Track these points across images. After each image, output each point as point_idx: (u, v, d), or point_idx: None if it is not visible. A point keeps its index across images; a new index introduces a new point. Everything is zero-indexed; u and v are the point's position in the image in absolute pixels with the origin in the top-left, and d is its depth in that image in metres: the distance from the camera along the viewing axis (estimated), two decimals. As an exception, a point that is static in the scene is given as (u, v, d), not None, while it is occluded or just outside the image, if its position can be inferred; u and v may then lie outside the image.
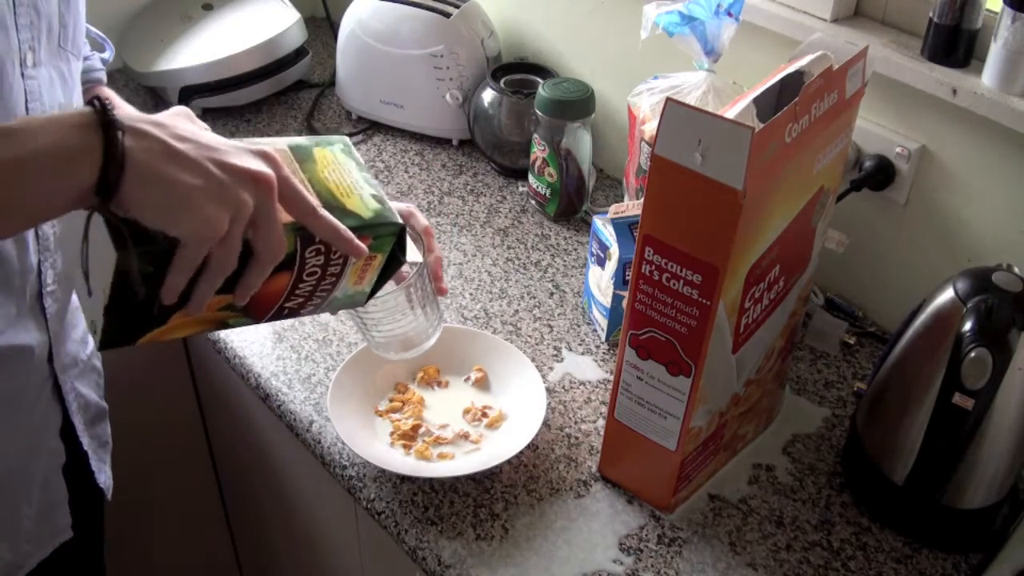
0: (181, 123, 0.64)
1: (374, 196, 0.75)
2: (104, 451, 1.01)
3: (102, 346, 0.68)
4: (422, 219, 0.92)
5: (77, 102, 0.87)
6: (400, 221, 0.75)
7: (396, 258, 0.78)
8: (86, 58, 0.96)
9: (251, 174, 0.63)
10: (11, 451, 0.87)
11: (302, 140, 0.76)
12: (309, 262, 0.71)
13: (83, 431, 0.95)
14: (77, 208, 0.62)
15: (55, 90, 0.82)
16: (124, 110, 0.65)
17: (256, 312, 0.74)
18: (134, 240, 0.62)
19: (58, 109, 0.83)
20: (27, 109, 0.78)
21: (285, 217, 0.67)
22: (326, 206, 0.70)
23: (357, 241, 0.70)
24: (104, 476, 1.01)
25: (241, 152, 0.64)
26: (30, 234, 0.81)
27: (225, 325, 0.74)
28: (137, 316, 0.68)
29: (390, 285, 0.85)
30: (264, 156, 0.65)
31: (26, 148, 0.59)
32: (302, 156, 0.74)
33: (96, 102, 0.61)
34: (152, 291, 0.65)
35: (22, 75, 0.77)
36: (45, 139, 0.60)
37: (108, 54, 1.00)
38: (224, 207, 0.61)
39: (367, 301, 0.81)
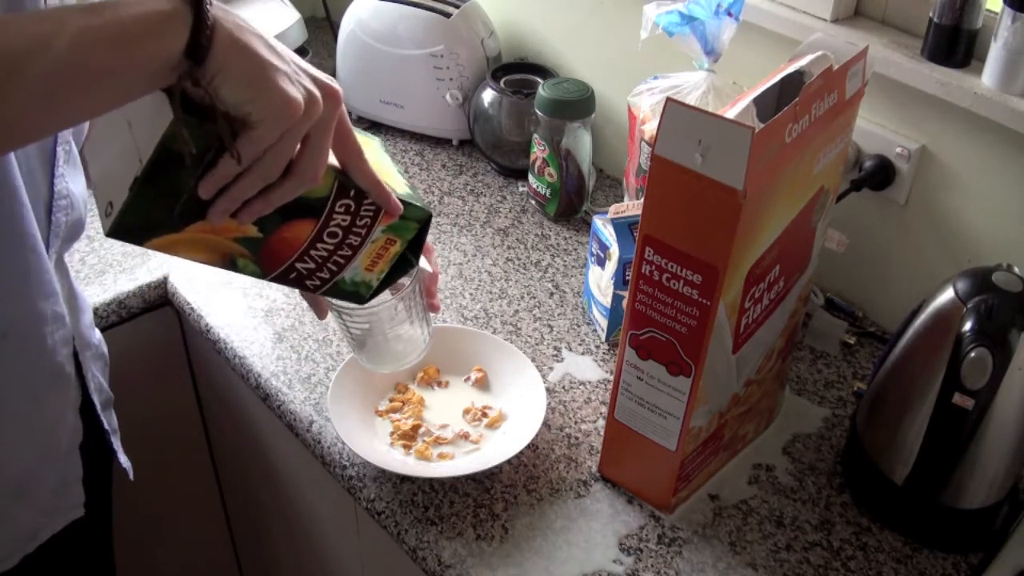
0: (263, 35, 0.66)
1: (407, 185, 0.78)
2: (116, 437, 1.02)
3: (112, 230, 0.67)
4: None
5: None
6: (429, 211, 0.77)
7: (408, 259, 0.78)
8: None
9: (325, 84, 0.66)
10: (45, 422, 0.88)
11: None
12: (336, 218, 0.72)
13: (101, 412, 0.97)
14: (167, 77, 0.62)
15: None
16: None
17: (267, 261, 0.73)
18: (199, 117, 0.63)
19: None
20: None
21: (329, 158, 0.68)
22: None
23: (393, 197, 0.72)
24: (123, 458, 1.03)
25: (314, 71, 0.67)
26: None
27: (233, 265, 0.73)
28: (160, 207, 0.66)
29: (385, 295, 0.84)
30: (330, 87, 0.67)
31: (118, 14, 0.60)
32: None
33: None
34: (187, 182, 0.65)
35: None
36: (136, 7, 0.60)
37: None
38: (302, 94, 0.64)
39: (369, 298, 0.80)
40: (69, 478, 0.94)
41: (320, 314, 0.89)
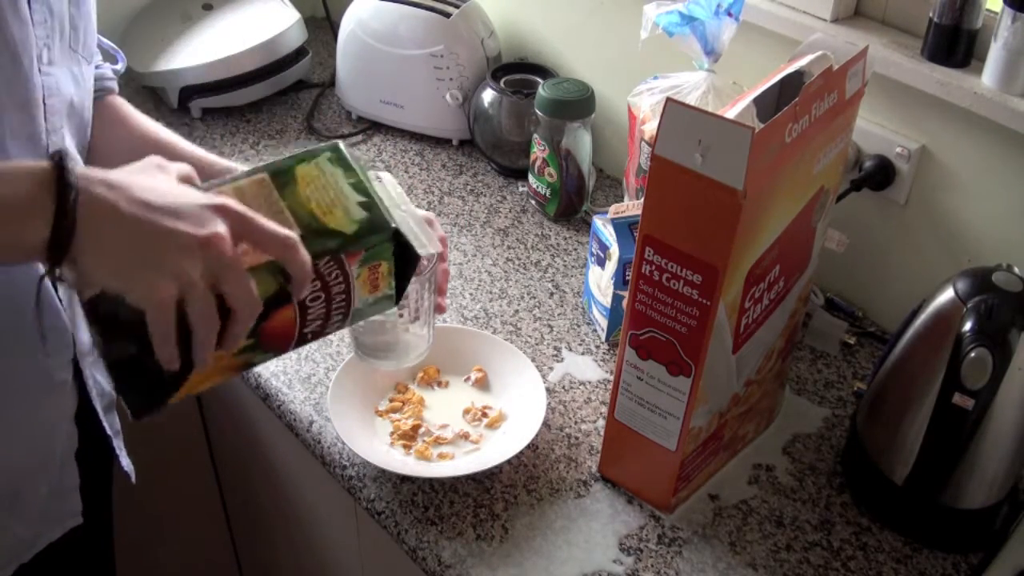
0: (141, 181, 0.63)
1: (362, 203, 0.71)
2: (119, 439, 1.02)
3: (134, 418, 0.68)
4: (439, 230, 0.91)
5: (89, 106, 0.88)
6: (392, 224, 0.72)
7: (408, 256, 0.75)
8: (97, 67, 0.97)
9: (197, 240, 0.62)
10: (39, 429, 0.88)
11: (286, 159, 0.74)
12: (305, 299, 0.69)
13: (103, 416, 0.96)
14: (33, 260, 0.62)
15: (70, 87, 0.83)
16: (81, 168, 0.63)
17: (277, 346, 0.72)
18: (104, 317, 0.63)
19: (73, 105, 0.84)
20: (45, 104, 0.79)
21: (262, 257, 0.66)
22: (307, 230, 0.68)
23: (307, 267, 0.67)
24: (126, 460, 1.03)
25: (192, 213, 0.63)
26: None
27: (251, 365, 0.72)
28: (151, 387, 0.67)
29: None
30: (219, 210, 0.64)
31: None
32: (283, 180, 0.72)
33: (57, 156, 0.61)
34: (150, 362, 0.65)
35: (39, 70, 0.78)
36: (2, 188, 0.60)
37: (120, 65, 1.01)
38: (165, 275, 0.61)
39: (397, 302, 0.77)
40: (65, 486, 0.93)
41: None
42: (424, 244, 0.75)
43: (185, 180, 0.69)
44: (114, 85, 1.00)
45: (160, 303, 0.61)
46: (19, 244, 0.60)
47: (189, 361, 0.66)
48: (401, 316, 0.88)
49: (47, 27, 0.78)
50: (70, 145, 0.85)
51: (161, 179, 0.66)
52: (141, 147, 0.97)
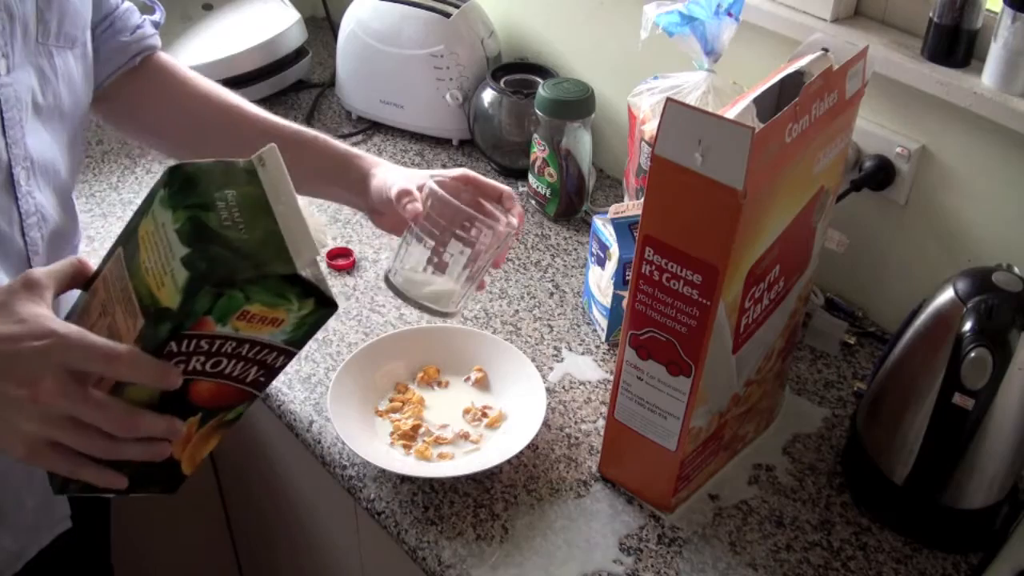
0: None
1: (184, 258, 0.60)
2: None
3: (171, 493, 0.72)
4: (518, 206, 0.92)
5: (67, 92, 0.86)
6: (212, 284, 0.59)
7: (289, 289, 0.62)
8: (137, 26, 0.95)
9: (27, 397, 0.60)
10: None
11: (134, 216, 0.66)
12: (204, 368, 0.63)
13: None
14: None
15: (34, 91, 0.81)
16: None
17: (232, 400, 0.67)
18: None
19: (39, 106, 0.82)
20: (3, 118, 0.77)
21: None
22: (149, 314, 0.61)
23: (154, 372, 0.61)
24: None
25: (19, 366, 0.60)
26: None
27: (233, 419, 0.69)
28: (149, 479, 0.68)
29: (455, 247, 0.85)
30: (48, 352, 0.60)
31: None
32: (130, 250, 0.64)
33: None
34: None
35: None
36: None
37: (159, 15, 0.99)
38: (11, 434, 0.61)
39: (328, 309, 0.65)
40: (52, 494, 0.93)
41: (410, 214, 0.88)
42: (302, 246, 0.62)
43: (63, 282, 0.66)
44: (156, 41, 0.97)
45: (25, 458, 0.61)
46: None
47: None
48: (446, 256, 0.89)
49: (5, 34, 0.76)
50: (34, 150, 0.81)
51: (27, 297, 0.63)
52: (200, 112, 0.96)
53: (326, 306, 0.64)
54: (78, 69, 0.87)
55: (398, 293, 0.91)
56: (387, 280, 0.92)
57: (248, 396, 0.67)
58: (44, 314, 0.62)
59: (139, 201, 0.74)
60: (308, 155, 0.98)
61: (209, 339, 0.61)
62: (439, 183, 0.90)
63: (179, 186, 0.63)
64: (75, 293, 0.70)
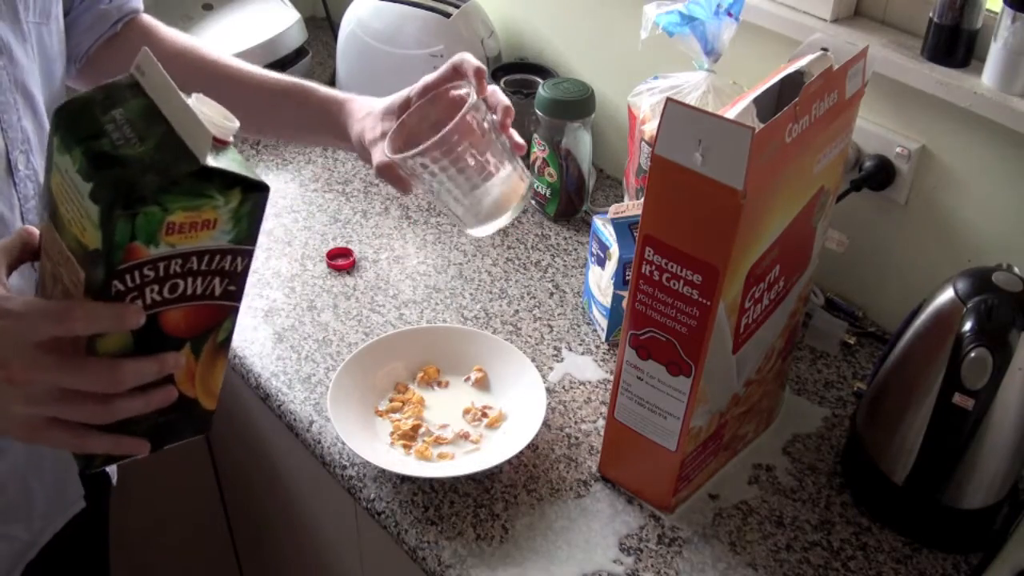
0: None
1: (91, 195, 0.56)
2: None
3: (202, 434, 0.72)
4: (472, 63, 0.89)
5: (47, 70, 0.84)
6: (118, 206, 0.56)
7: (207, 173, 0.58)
8: None
9: (4, 381, 0.59)
10: None
11: (47, 177, 0.62)
12: (164, 296, 0.60)
13: None
14: None
15: (24, 71, 0.80)
16: None
17: (212, 320, 0.64)
18: None
19: (27, 87, 0.81)
20: None
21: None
22: (85, 262, 0.59)
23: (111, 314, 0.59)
24: None
25: None
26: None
27: (225, 344, 0.67)
28: (169, 431, 0.69)
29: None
30: (7, 333, 0.59)
31: None
32: (52, 210, 0.61)
33: None
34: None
35: None
36: None
37: None
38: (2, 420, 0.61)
39: (259, 195, 0.61)
40: (64, 475, 0.93)
41: (404, 188, 0.87)
42: (197, 136, 0.58)
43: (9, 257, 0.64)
44: (137, 4, 0.98)
45: (28, 439, 0.61)
46: None
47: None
48: (462, 168, 0.84)
49: None
50: (31, 133, 0.81)
51: None
52: (184, 71, 0.95)
53: (255, 190, 0.60)
54: (54, 45, 0.86)
55: (490, 227, 0.88)
56: (470, 231, 0.89)
57: (227, 310, 0.65)
58: None
59: None
60: (290, 105, 0.97)
61: (150, 264, 0.58)
62: (397, 134, 0.87)
63: (67, 125, 0.59)
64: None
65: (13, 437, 0.61)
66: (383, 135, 0.89)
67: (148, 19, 0.99)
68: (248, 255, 0.63)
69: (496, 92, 0.89)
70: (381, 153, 0.87)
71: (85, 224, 0.57)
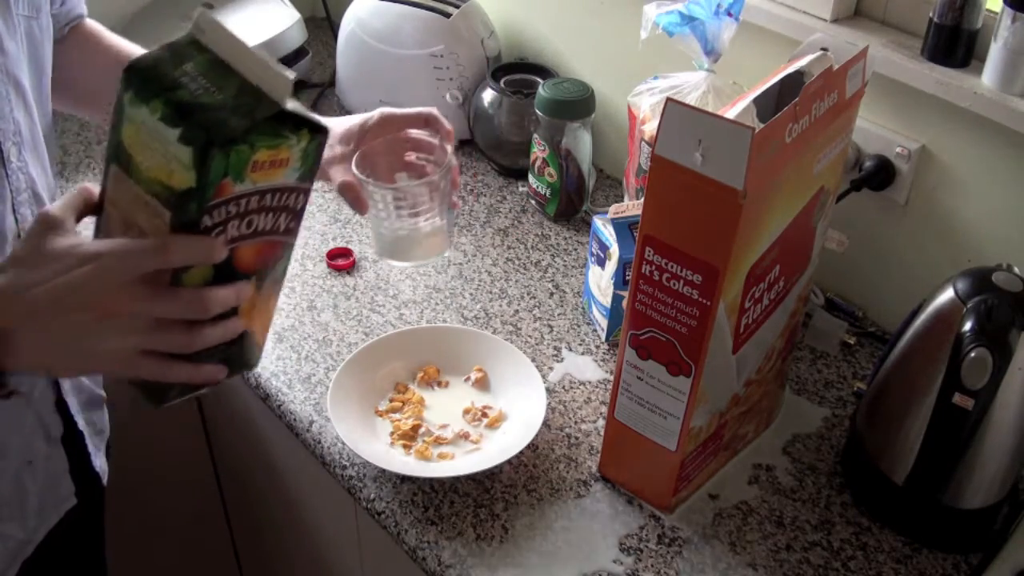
0: (32, 292, 0.63)
1: (181, 139, 0.61)
2: (100, 438, 1.00)
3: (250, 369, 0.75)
4: (445, 123, 0.96)
5: (37, 64, 0.85)
6: (214, 142, 0.60)
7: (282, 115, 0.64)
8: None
9: (100, 316, 0.63)
10: (14, 430, 0.87)
11: (113, 131, 0.66)
12: (240, 232, 0.65)
13: (77, 412, 0.95)
14: None
15: (16, 63, 0.80)
16: None
17: (274, 256, 0.70)
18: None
19: (18, 79, 0.81)
20: None
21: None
22: (170, 203, 0.63)
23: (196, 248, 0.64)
24: (99, 461, 1.01)
25: (83, 296, 0.63)
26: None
27: (279, 281, 0.73)
28: (236, 359, 0.72)
29: (404, 180, 0.93)
30: (97, 275, 0.63)
31: None
32: (125, 162, 0.65)
33: None
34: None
35: None
36: None
37: None
38: (101, 358, 0.65)
39: (320, 133, 0.67)
40: (55, 473, 0.93)
41: (361, 209, 0.94)
42: (275, 84, 0.63)
43: (75, 210, 0.68)
44: (82, 9, 0.98)
45: (122, 371, 0.66)
46: None
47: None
48: (414, 213, 0.95)
49: None
50: (23, 125, 0.82)
51: (45, 268, 0.64)
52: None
53: (319, 132, 0.66)
54: (44, 40, 0.86)
55: (401, 264, 0.99)
56: (383, 259, 0.99)
57: (286, 246, 0.70)
58: (77, 243, 0.64)
59: None
60: None
61: (235, 201, 0.63)
62: (364, 157, 0.95)
63: (140, 80, 0.63)
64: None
65: (107, 371, 0.67)
66: (342, 156, 0.96)
67: (92, 24, 0.99)
68: (307, 193, 0.69)
69: (451, 140, 0.97)
70: (345, 173, 0.94)
71: (173, 167, 0.62)
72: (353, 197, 0.94)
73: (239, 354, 0.71)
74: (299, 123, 0.64)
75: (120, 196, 0.67)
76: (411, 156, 0.99)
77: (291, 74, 0.63)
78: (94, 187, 0.69)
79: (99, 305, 0.63)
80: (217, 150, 0.60)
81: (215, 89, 0.63)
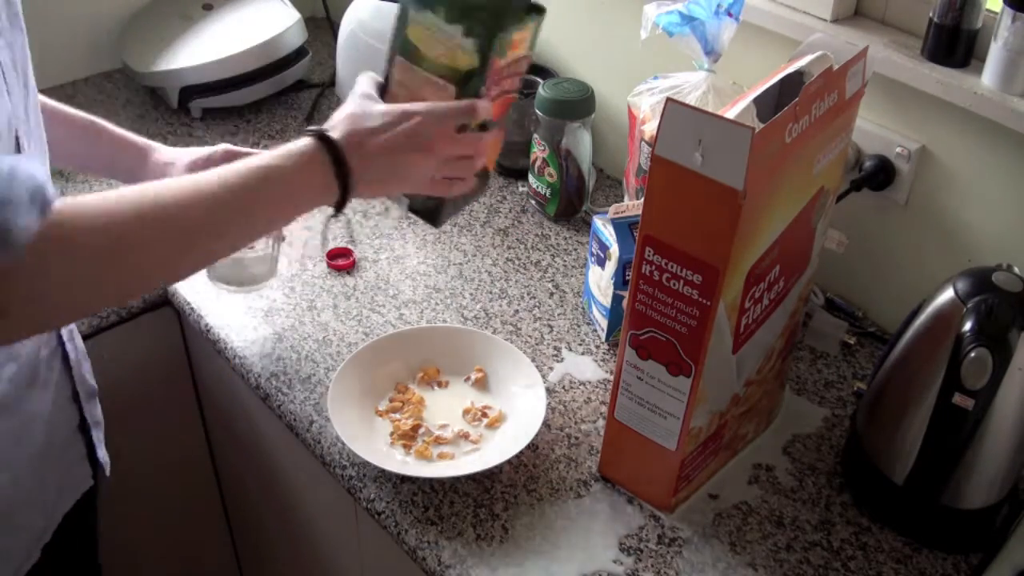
0: (372, 137, 0.84)
1: (465, 31, 0.86)
2: (99, 429, 1.02)
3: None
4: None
5: (26, 63, 0.85)
6: (483, 30, 0.86)
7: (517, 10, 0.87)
8: None
9: (424, 152, 0.85)
10: (37, 418, 0.89)
11: (397, 32, 0.91)
12: (497, 95, 0.90)
13: (85, 402, 0.97)
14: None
15: (15, 57, 0.80)
16: (337, 138, 0.83)
17: (506, 109, 0.94)
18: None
19: (12, 72, 0.80)
20: (5, 80, 0.76)
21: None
22: (456, 79, 0.88)
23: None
24: (102, 451, 1.03)
25: (410, 139, 0.84)
26: None
27: (504, 127, 0.95)
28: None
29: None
30: (420, 126, 0.84)
31: (281, 187, 0.80)
32: (411, 54, 0.90)
33: (320, 140, 0.82)
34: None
35: None
36: (296, 177, 0.81)
37: None
38: (415, 181, 0.87)
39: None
40: (73, 458, 0.96)
41: None
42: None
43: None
44: None
45: (429, 190, 0.89)
46: (313, 205, 0.84)
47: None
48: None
49: None
50: (32, 116, 0.83)
51: (378, 120, 0.85)
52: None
53: (542, 12, 0.90)
54: (25, 46, 0.86)
55: (229, 289, 1.08)
56: (214, 282, 1.08)
57: (512, 102, 0.94)
58: (395, 105, 0.86)
59: None
60: (83, 142, 1.03)
61: (500, 71, 0.89)
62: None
63: (422, 2, 0.89)
64: None
65: (421, 191, 0.89)
66: None
67: None
68: (529, 60, 0.94)
69: None
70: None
71: (457, 54, 0.88)
72: None
73: (484, 177, 0.95)
74: (529, 9, 0.89)
75: (407, 80, 0.92)
76: None
77: None
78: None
79: (424, 146, 0.85)
80: (494, 37, 0.86)
81: None
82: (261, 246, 1.08)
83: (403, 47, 0.91)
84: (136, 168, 1.04)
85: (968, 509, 0.90)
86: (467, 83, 0.88)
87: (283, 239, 1.10)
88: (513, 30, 0.87)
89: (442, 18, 0.88)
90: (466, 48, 0.87)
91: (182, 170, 1.01)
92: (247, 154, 1.01)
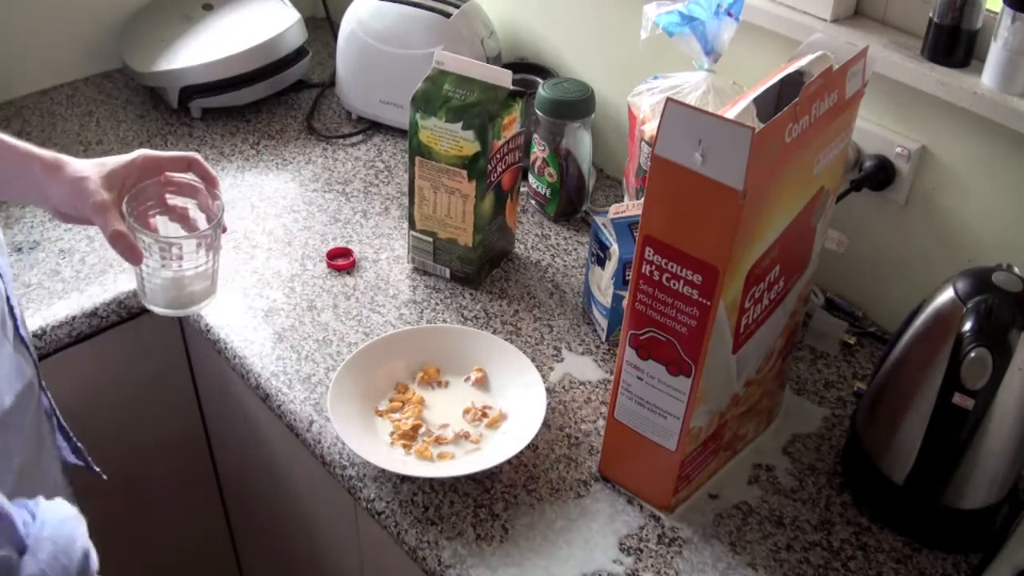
0: None
1: (464, 126, 1.09)
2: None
3: None
4: (209, 169, 0.99)
5: None
6: (484, 120, 1.08)
7: None
8: None
9: None
10: (18, 433, 0.89)
11: (415, 140, 1.12)
12: (501, 171, 1.14)
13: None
14: None
15: None
16: None
17: (515, 181, 1.19)
18: None
19: None
20: None
21: None
22: (461, 163, 1.10)
23: None
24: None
25: None
26: None
27: (518, 194, 1.19)
28: None
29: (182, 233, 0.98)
30: None
31: None
32: (425, 153, 1.12)
33: None
34: None
35: None
36: None
37: None
38: None
39: None
40: (50, 469, 0.95)
41: (136, 259, 0.92)
42: (499, 77, 1.13)
43: None
44: None
45: None
46: None
47: None
48: (181, 262, 0.96)
49: None
50: None
51: None
52: None
53: (526, 95, 1.12)
54: None
55: (169, 312, 1.00)
56: (148, 307, 1.00)
57: (520, 171, 1.18)
58: None
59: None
60: None
61: (499, 151, 1.12)
62: (132, 200, 0.95)
63: (423, 102, 1.11)
64: None
65: None
66: (113, 202, 0.94)
67: None
68: (523, 134, 1.15)
69: (218, 188, 1.01)
70: (118, 220, 0.93)
71: (463, 144, 1.09)
72: (125, 246, 0.91)
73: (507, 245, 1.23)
74: (512, 95, 1.11)
75: (426, 173, 1.14)
76: (175, 200, 0.99)
77: (506, 72, 1.11)
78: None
79: None
80: (488, 126, 1.08)
81: (468, 94, 1.11)
82: (201, 261, 0.97)
83: (417, 148, 1.12)
84: (45, 184, 0.95)
85: (968, 509, 0.90)
86: (474, 165, 1.09)
87: (220, 248, 1.00)
88: (504, 115, 1.10)
89: (443, 119, 1.09)
90: (467, 139, 1.08)
91: (99, 183, 0.93)
92: (167, 160, 0.97)
